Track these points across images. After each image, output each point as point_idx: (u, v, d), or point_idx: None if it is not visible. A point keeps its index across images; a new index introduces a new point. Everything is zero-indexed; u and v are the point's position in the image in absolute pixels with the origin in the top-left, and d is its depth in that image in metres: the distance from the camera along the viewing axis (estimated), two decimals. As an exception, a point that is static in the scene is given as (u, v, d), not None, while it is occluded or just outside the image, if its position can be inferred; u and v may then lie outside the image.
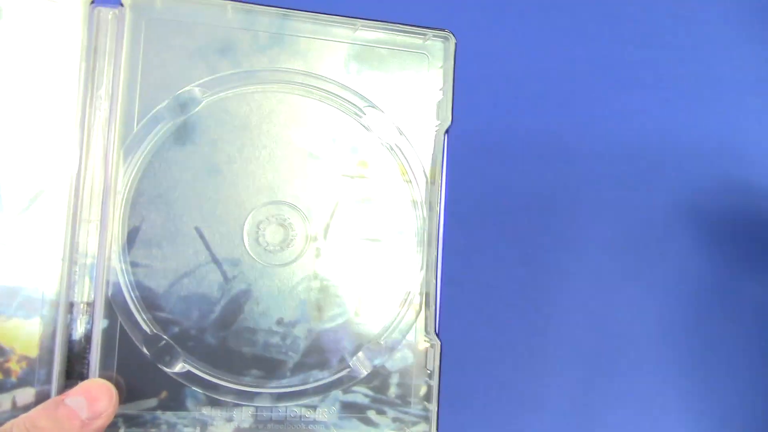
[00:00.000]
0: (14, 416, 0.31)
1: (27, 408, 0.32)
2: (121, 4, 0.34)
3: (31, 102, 0.33)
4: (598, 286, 0.57)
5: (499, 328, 0.52)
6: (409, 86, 0.38)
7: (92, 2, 0.34)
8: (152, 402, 0.34)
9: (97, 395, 0.32)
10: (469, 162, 0.52)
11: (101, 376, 0.33)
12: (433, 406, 0.37)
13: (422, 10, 0.54)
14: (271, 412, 0.35)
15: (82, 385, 0.32)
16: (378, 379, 0.37)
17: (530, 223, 0.54)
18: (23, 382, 0.32)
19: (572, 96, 0.58)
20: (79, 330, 0.33)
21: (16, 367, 0.32)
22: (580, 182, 0.57)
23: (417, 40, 0.38)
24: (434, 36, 0.38)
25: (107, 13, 0.34)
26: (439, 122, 0.38)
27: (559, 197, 0.56)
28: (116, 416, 0.33)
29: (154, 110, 0.34)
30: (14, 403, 0.32)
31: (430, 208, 0.38)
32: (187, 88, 0.35)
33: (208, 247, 0.35)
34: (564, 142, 0.56)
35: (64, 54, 0.33)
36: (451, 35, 0.38)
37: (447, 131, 0.38)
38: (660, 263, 0.58)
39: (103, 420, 0.31)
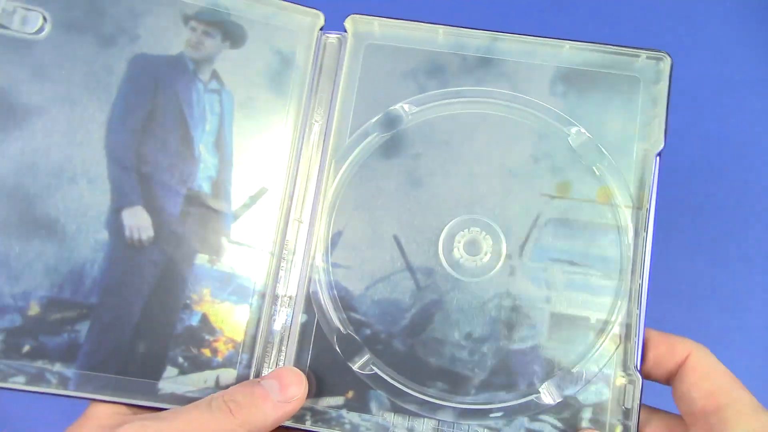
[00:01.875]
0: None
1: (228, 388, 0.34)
2: (345, 31, 0.38)
3: (262, 111, 0.37)
4: None
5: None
6: (615, 107, 0.36)
7: (321, 29, 0.38)
8: (339, 400, 0.35)
9: (289, 382, 0.33)
10: (671, 185, 0.47)
11: (295, 366, 0.35)
12: (629, 449, 0.33)
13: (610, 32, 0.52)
14: (453, 428, 0.34)
15: (277, 371, 0.34)
16: (568, 410, 0.34)
17: (743, 252, 0.47)
18: (227, 363, 0.35)
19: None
20: (279, 321, 0.36)
21: (223, 348, 0.35)
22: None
23: (625, 61, 0.37)
24: (648, 57, 0.36)
25: (333, 39, 0.38)
26: (647, 144, 0.36)
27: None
28: (304, 409, 0.34)
29: (366, 124, 0.37)
30: (218, 382, 0.35)
31: (636, 234, 0.35)
32: (396, 105, 0.37)
33: (403, 255, 0.36)
34: None
35: (295, 72, 0.38)
36: (667, 56, 0.36)
37: (659, 154, 0.35)
38: None
39: (293, 406, 0.33)
